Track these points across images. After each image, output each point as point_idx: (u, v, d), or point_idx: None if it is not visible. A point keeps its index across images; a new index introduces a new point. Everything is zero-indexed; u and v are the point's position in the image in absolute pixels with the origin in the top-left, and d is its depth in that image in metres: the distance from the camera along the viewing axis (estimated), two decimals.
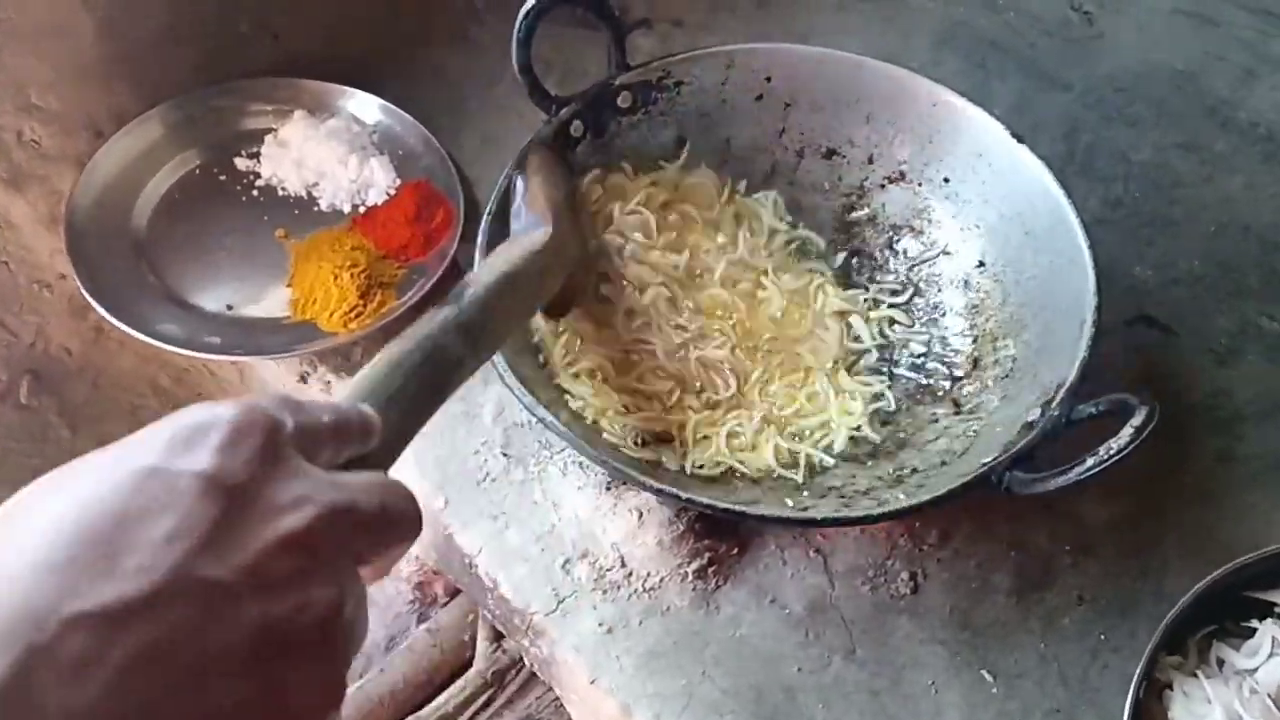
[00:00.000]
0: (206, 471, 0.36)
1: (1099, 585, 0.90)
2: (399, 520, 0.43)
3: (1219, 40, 1.31)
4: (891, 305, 1.02)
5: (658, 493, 0.80)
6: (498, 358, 0.83)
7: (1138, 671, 0.75)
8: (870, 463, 0.92)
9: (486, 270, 0.73)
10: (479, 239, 0.90)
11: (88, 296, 1.00)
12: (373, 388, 0.54)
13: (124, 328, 0.98)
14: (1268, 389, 1.03)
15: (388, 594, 1.18)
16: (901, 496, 0.83)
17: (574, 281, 0.86)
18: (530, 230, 0.83)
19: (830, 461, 0.92)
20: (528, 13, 0.92)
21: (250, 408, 0.40)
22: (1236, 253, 1.13)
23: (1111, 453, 0.74)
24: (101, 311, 0.99)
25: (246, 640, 0.34)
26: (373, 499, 0.42)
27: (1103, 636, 0.87)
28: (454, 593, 1.17)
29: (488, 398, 0.99)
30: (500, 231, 0.89)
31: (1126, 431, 0.74)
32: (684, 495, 0.79)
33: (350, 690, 1.09)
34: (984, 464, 0.80)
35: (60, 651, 0.31)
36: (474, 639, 1.12)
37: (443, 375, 0.60)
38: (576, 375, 0.91)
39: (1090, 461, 0.75)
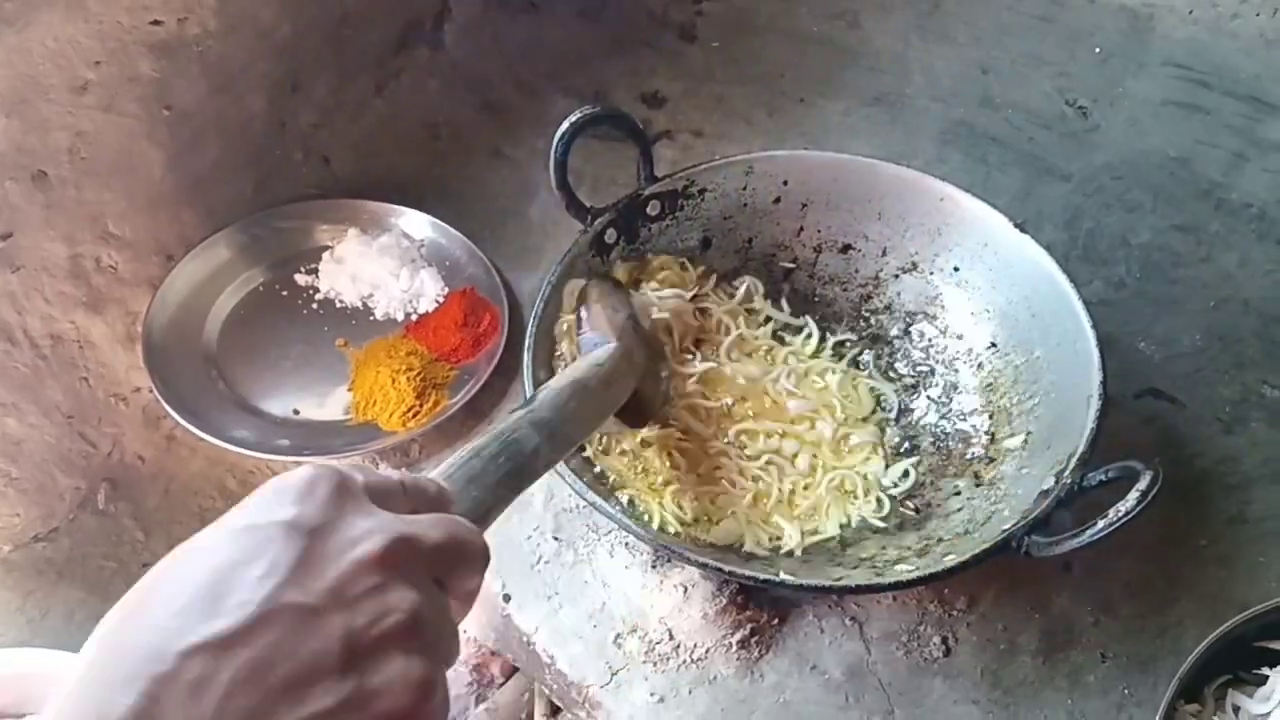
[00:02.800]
0: (287, 519, 0.44)
1: (1120, 643, 0.95)
2: (464, 548, 0.50)
3: (1209, 127, 1.39)
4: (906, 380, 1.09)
5: (702, 566, 0.86)
6: None
7: (1157, 718, 0.81)
8: (899, 534, 0.98)
9: (557, 379, 0.82)
10: (527, 342, 0.97)
11: (166, 407, 1.08)
12: (452, 470, 0.62)
13: (200, 434, 1.07)
14: (1273, 454, 1.08)
15: (447, 677, 1.24)
16: (930, 564, 0.88)
17: (645, 393, 0.94)
18: (595, 347, 0.91)
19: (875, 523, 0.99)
20: (564, 134, 1.00)
21: (321, 466, 0.47)
22: (1236, 326, 1.19)
23: (1120, 515, 0.79)
24: (179, 420, 1.07)
25: (335, 649, 0.41)
26: (438, 530, 0.49)
27: (1126, 691, 0.92)
28: (510, 673, 1.22)
29: (538, 486, 1.06)
30: (546, 337, 0.98)
31: (1133, 495, 0.79)
32: (726, 568, 0.85)
33: None
34: (1004, 530, 0.86)
35: (179, 677, 0.38)
36: (530, 716, 1.17)
37: (519, 461, 0.68)
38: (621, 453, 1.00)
39: (1101, 524, 0.80)
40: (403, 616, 0.43)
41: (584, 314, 0.97)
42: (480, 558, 0.52)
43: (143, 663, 0.39)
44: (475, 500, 0.61)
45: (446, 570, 0.49)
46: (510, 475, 0.66)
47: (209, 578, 0.41)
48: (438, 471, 0.61)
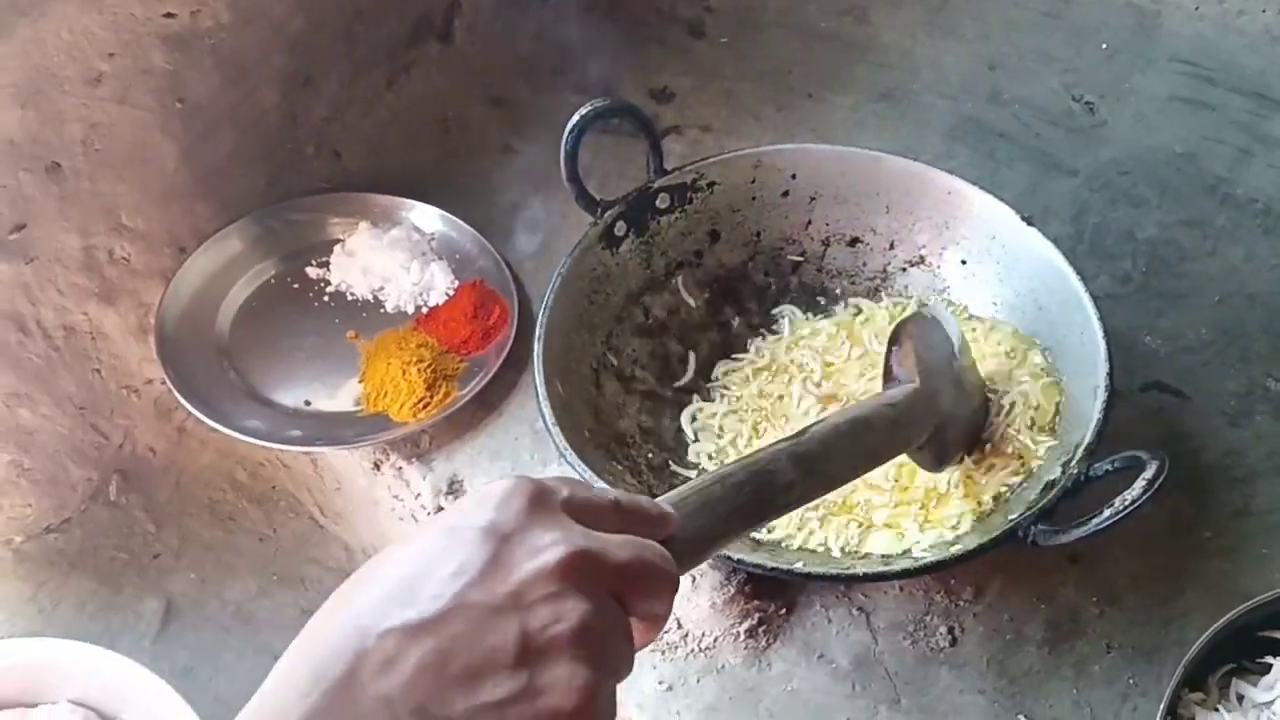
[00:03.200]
0: (484, 524, 0.48)
1: (1125, 633, 0.95)
2: (648, 570, 0.52)
3: (1215, 123, 1.39)
4: None
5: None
6: (556, 434, 0.91)
7: (1161, 707, 0.81)
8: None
9: (840, 413, 0.81)
10: (538, 333, 0.98)
11: (179, 397, 1.09)
12: (687, 493, 0.60)
13: (212, 424, 1.08)
14: (1278, 447, 1.08)
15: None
16: (938, 556, 0.89)
17: (951, 436, 0.93)
18: (899, 384, 0.91)
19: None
20: (574, 128, 1.01)
21: (524, 478, 0.51)
22: (1242, 320, 1.19)
23: (1127, 504, 0.80)
24: (192, 410, 1.08)
25: (509, 646, 0.45)
26: (625, 551, 0.51)
27: (1131, 681, 0.93)
28: None
29: (547, 475, 1.06)
30: (555, 330, 0.99)
31: (1139, 484, 0.80)
32: (735, 556, 0.86)
33: None
34: (1011, 520, 0.86)
35: (375, 654, 0.44)
36: None
37: (766, 493, 0.65)
38: None
39: (1107, 513, 0.81)
40: (574, 624, 0.46)
41: (895, 350, 0.95)
42: (666, 583, 0.53)
43: (349, 639, 0.45)
44: (701, 528, 0.59)
45: (628, 590, 0.51)
46: (751, 506, 0.64)
47: (411, 571, 0.47)
48: (672, 494, 0.60)
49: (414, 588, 0.46)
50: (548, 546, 0.48)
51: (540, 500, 0.50)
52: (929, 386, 0.89)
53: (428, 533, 0.49)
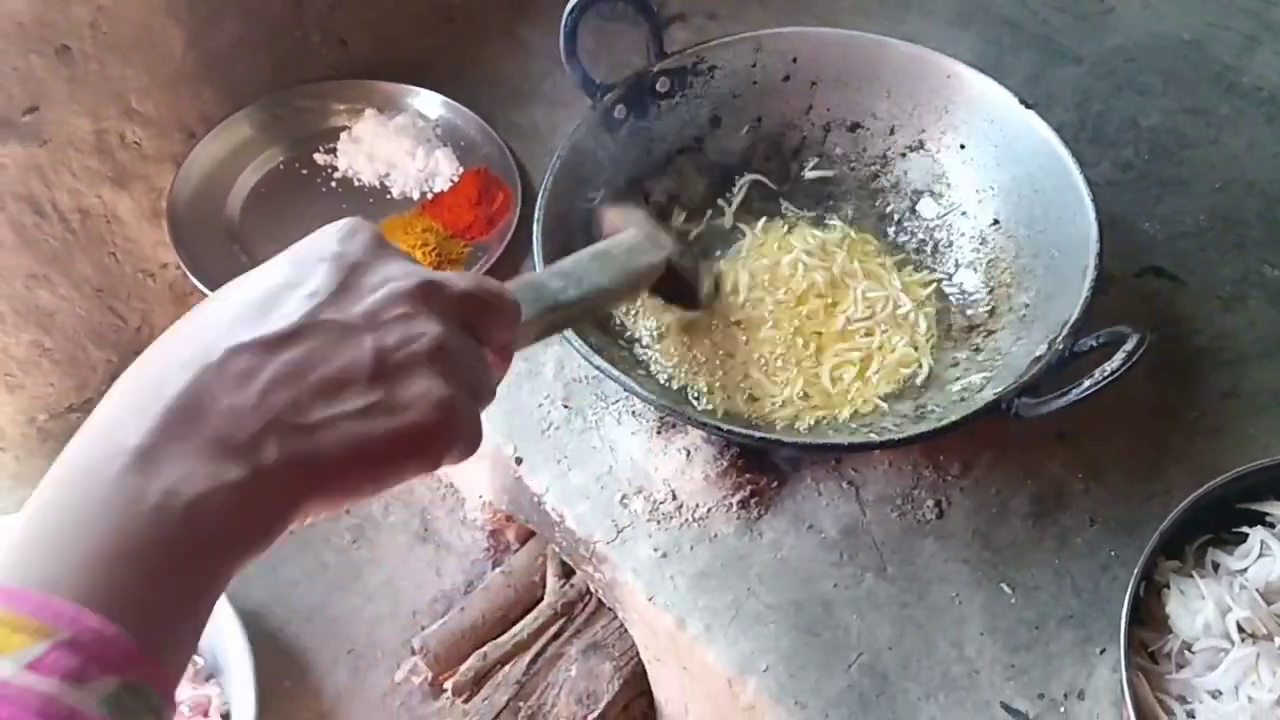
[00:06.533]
0: (332, 253, 0.50)
1: (1109, 508, 0.98)
2: (491, 297, 0.55)
3: (1223, 10, 1.38)
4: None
5: (701, 426, 0.90)
6: None
7: (1136, 571, 0.84)
8: (896, 402, 1.01)
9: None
10: (536, 214, 1.00)
11: (192, 278, 1.12)
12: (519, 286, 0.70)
13: None
14: (1270, 331, 1.10)
15: (465, 543, 1.30)
16: (924, 428, 0.92)
17: (684, 270, 0.96)
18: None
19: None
20: (574, 7, 1.02)
21: (360, 219, 0.54)
22: (1240, 207, 1.20)
23: (1106, 375, 0.81)
24: (206, 291, 1.11)
25: (365, 360, 0.47)
26: (466, 280, 0.54)
27: (1112, 553, 0.96)
28: (525, 539, 1.28)
29: (548, 357, 1.10)
30: (555, 207, 1.02)
31: (1119, 356, 0.81)
32: (725, 427, 0.89)
33: (434, 627, 1.20)
34: (995, 394, 0.89)
35: (226, 369, 0.44)
36: (544, 578, 1.22)
37: (549, 300, 0.74)
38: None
39: (1087, 383, 0.82)
40: (428, 342, 0.49)
41: (596, 228, 1.00)
42: (509, 311, 0.57)
43: (194, 356, 0.44)
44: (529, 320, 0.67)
45: (475, 316, 0.54)
46: (547, 309, 0.73)
47: (260, 296, 0.47)
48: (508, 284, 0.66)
49: (265, 309, 0.46)
50: (397, 276, 0.50)
51: (381, 238, 0.53)
52: (642, 230, 0.93)
53: (274, 263, 0.50)
